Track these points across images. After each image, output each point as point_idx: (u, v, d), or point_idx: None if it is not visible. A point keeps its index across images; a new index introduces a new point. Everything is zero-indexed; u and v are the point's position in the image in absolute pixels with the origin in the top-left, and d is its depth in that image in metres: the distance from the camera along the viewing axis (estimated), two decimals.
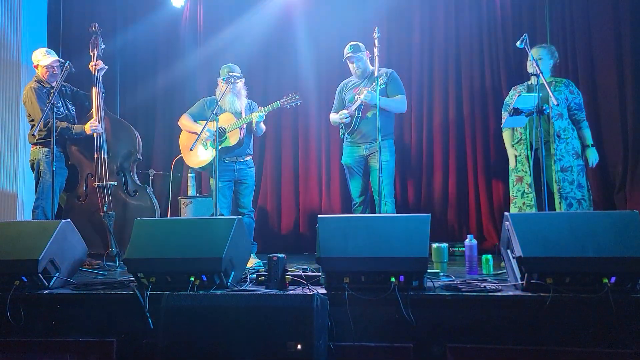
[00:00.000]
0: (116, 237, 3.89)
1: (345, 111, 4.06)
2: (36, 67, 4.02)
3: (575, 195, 3.71)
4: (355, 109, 4.00)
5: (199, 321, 2.23)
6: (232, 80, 3.93)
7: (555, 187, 3.68)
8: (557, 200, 3.68)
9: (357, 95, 4.01)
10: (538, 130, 3.37)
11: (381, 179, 3.82)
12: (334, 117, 4.24)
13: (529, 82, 3.90)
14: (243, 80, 4.14)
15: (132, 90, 5.67)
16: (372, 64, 3.85)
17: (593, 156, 3.82)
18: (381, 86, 3.92)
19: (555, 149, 3.70)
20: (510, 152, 3.94)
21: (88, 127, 3.95)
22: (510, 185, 3.91)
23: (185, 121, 4.18)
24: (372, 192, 4.09)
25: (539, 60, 3.67)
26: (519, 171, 3.82)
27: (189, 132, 4.12)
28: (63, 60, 3.95)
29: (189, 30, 5.67)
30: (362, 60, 4.09)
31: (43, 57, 3.98)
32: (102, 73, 4.11)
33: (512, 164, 3.92)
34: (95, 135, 3.98)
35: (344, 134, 4.17)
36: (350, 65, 4.15)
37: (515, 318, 2.31)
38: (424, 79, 5.19)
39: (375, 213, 3.86)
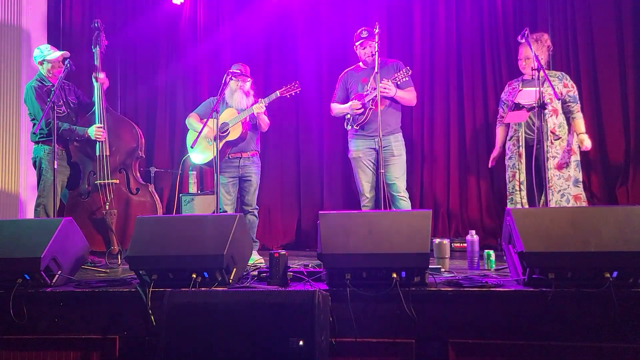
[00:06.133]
0: (118, 235, 3.89)
1: (357, 102, 3.95)
2: (40, 63, 3.96)
3: (572, 192, 3.69)
4: (369, 101, 3.90)
5: (200, 318, 2.24)
6: (231, 77, 3.93)
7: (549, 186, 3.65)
8: (552, 198, 3.64)
9: (368, 87, 3.91)
10: (538, 125, 3.34)
11: (396, 172, 3.81)
12: (339, 107, 4.11)
13: (523, 77, 3.88)
14: (251, 80, 4.13)
15: (132, 87, 5.66)
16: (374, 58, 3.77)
17: (586, 142, 3.73)
18: (404, 79, 3.88)
19: (549, 147, 3.67)
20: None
21: (92, 133, 3.91)
22: (507, 180, 3.89)
23: (191, 119, 4.18)
24: (386, 187, 3.96)
25: (536, 53, 3.65)
26: (513, 167, 3.81)
27: (195, 130, 4.13)
28: (68, 55, 3.93)
29: (188, 25, 5.66)
30: (374, 47, 3.89)
31: (49, 52, 3.95)
32: (104, 88, 4.04)
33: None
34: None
35: (351, 126, 4.04)
36: (362, 51, 4.02)
37: (517, 313, 2.31)
38: (425, 74, 5.16)
39: (387, 209, 3.79)
